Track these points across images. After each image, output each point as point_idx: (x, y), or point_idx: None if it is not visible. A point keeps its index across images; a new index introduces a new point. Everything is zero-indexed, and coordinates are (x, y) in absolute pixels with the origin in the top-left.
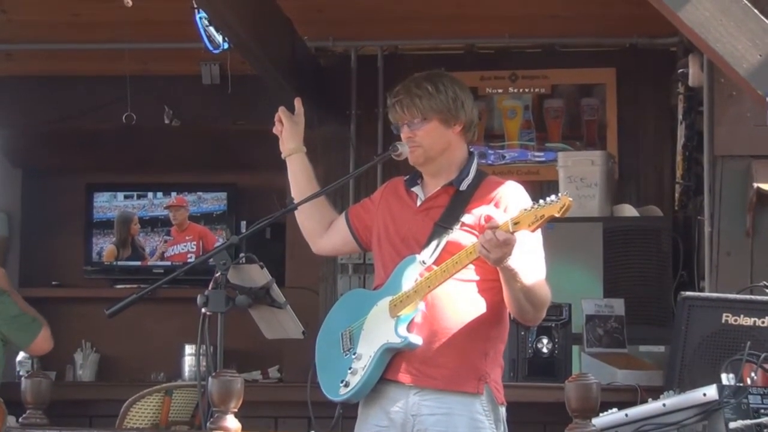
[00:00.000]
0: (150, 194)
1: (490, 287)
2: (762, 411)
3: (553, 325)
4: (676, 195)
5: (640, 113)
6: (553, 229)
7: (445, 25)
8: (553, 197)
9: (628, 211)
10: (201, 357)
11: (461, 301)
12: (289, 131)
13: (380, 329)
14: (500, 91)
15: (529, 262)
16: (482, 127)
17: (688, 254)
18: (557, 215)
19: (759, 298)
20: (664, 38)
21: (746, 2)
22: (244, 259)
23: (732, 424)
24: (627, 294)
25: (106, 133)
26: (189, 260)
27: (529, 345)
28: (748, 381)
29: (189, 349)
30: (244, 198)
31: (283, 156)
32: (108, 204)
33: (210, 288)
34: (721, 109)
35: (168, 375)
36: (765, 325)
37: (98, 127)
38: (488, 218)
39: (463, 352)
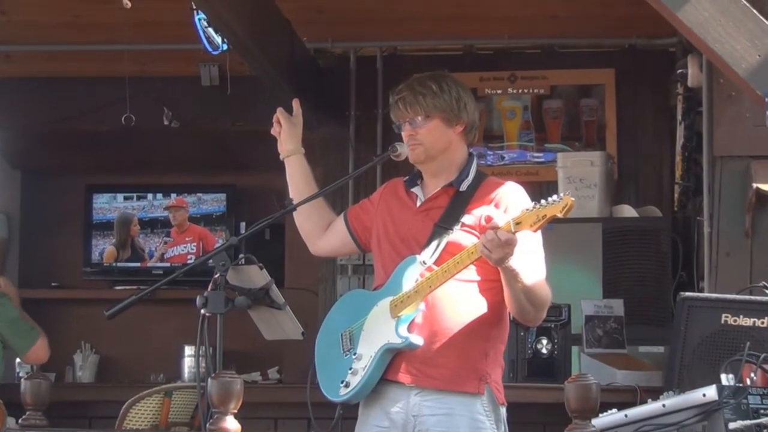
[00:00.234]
0: (150, 195)
1: (490, 287)
2: (761, 411)
3: (553, 325)
4: (676, 195)
5: (639, 114)
6: (553, 230)
7: (445, 26)
8: (555, 197)
9: (628, 211)
10: (200, 358)
11: (462, 302)
12: (287, 132)
13: (381, 329)
14: (499, 91)
15: (530, 262)
16: (481, 128)
17: (687, 255)
18: (559, 215)
19: (758, 298)
20: (663, 39)
21: (745, 3)
22: (243, 260)
23: (731, 425)
24: (626, 294)
25: (105, 134)
26: (189, 262)
27: (529, 346)
28: (748, 381)
29: (188, 350)
30: (243, 199)
31: (281, 157)
32: (108, 205)
33: (209, 289)
34: (720, 109)
35: (167, 376)
36: (764, 325)
37: (97, 128)
38: (488, 219)
39: (463, 353)
